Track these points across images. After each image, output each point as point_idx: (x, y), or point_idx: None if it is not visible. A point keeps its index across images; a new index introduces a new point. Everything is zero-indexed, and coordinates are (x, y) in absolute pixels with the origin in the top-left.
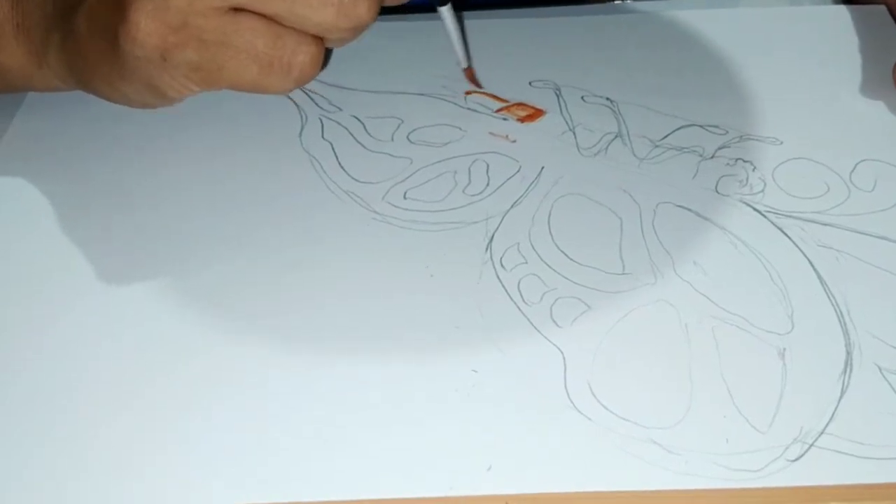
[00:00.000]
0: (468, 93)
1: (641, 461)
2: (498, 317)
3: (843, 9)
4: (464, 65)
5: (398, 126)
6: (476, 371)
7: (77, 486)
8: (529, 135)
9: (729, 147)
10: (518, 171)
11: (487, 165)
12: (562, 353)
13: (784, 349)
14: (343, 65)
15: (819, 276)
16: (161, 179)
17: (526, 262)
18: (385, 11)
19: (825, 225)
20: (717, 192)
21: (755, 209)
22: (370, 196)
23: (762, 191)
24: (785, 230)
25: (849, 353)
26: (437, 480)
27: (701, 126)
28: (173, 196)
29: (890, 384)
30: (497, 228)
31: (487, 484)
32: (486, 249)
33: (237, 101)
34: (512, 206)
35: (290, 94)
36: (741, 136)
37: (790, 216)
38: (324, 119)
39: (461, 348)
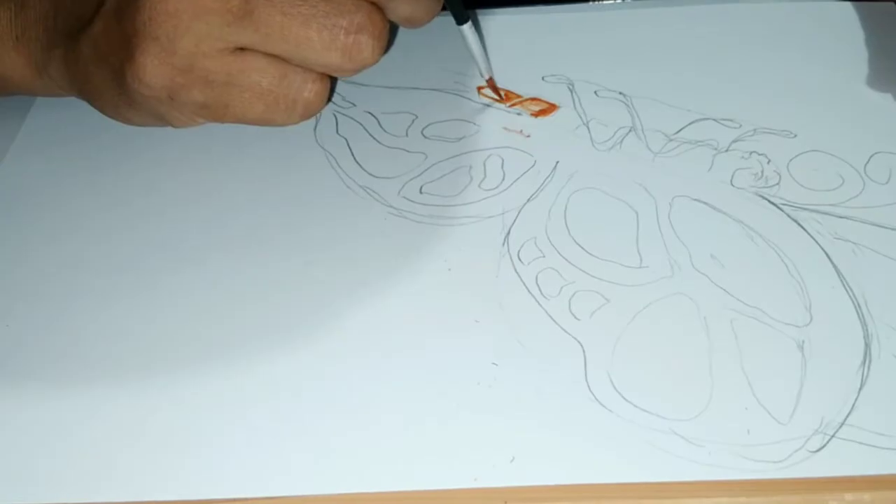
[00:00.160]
0: (480, 88)
1: (664, 452)
2: (517, 310)
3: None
4: (486, 76)
5: (412, 121)
6: (497, 364)
7: (69, 481)
8: (543, 130)
9: (743, 140)
10: (533, 166)
11: (502, 160)
12: (581, 345)
13: (803, 341)
14: None
15: (836, 269)
16: (175, 176)
17: (543, 256)
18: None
19: (841, 217)
20: (732, 185)
21: (771, 202)
22: (386, 191)
23: (777, 184)
24: (801, 223)
25: (867, 345)
26: (462, 472)
27: (715, 120)
28: (188, 192)
29: None
30: (514, 223)
31: (511, 475)
32: (504, 244)
33: None
34: (528, 201)
35: None
36: (755, 130)
37: (806, 209)
38: (338, 115)
39: (482, 342)
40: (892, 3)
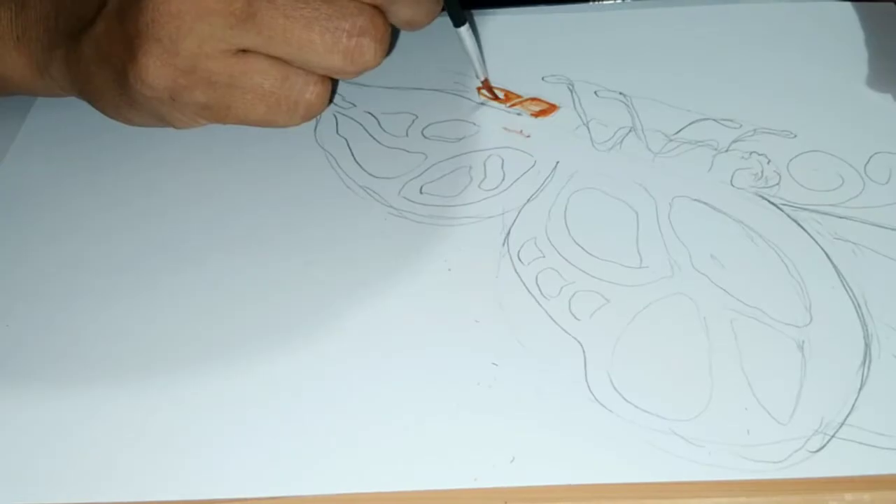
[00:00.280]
0: (480, 89)
1: (664, 453)
2: (517, 311)
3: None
4: (482, 77)
5: (412, 121)
6: (497, 364)
7: (69, 481)
8: (543, 130)
9: (743, 140)
10: (533, 166)
11: (502, 160)
12: (581, 346)
13: (803, 341)
14: None
15: (836, 269)
16: (176, 176)
17: (543, 257)
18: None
19: (841, 218)
20: (732, 185)
21: (771, 202)
22: (386, 191)
23: (777, 184)
24: (801, 223)
25: (867, 345)
26: (462, 472)
27: (715, 120)
28: (188, 192)
29: None
30: (514, 223)
31: (511, 475)
32: (504, 244)
33: None
34: (528, 201)
35: None
36: (755, 130)
37: (806, 209)
38: (338, 115)
39: (482, 342)
40: (892, 4)
